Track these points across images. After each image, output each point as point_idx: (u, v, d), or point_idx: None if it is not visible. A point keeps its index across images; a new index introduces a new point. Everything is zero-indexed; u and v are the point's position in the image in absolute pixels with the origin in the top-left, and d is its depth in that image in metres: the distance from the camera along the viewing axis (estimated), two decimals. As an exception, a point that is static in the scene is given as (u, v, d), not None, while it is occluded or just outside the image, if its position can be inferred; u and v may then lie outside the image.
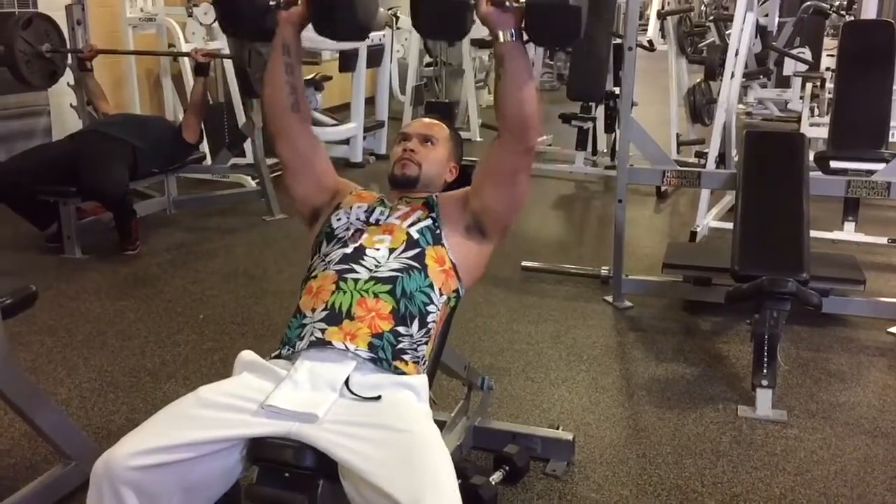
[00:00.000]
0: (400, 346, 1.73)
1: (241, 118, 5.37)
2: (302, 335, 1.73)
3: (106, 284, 3.97)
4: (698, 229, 4.60)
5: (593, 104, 6.46)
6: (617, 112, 6.69)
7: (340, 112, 7.26)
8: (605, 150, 6.77)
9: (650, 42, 6.24)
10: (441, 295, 1.82)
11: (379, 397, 1.61)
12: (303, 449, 1.54)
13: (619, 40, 6.13)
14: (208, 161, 5.41)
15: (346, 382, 1.64)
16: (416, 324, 1.75)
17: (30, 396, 2.14)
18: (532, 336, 3.42)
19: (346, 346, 1.68)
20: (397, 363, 1.70)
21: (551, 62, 11.46)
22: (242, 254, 4.54)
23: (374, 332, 1.71)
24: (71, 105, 5.25)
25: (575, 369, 3.12)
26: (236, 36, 2.00)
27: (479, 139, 7.91)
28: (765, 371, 2.79)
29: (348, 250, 1.82)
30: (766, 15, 5.69)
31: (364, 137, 6.78)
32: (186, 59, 5.83)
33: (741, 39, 4.66)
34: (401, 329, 1.73)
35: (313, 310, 1.75)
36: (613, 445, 2.60)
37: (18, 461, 2.47)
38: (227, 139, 5.51)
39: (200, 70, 4.64)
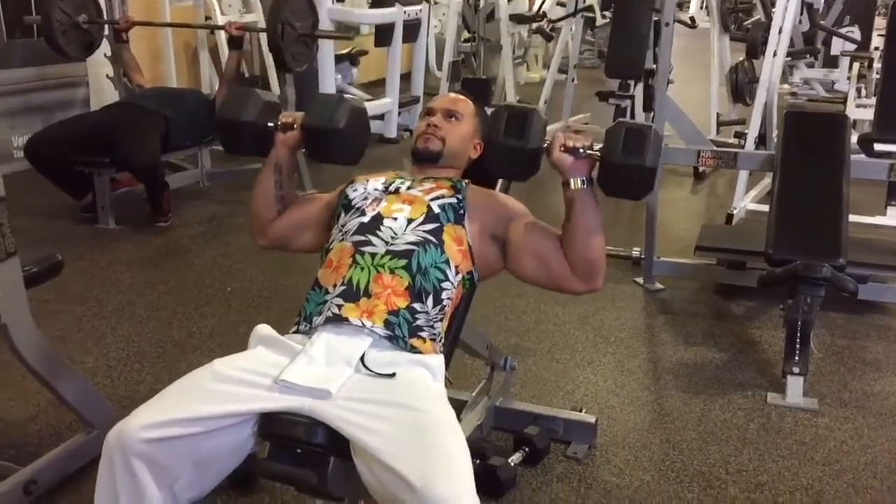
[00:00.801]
0: (417, 322, 1.71)
1: (276, 91, 5.37)
2: (321, 311, 1.71)
3: (137, 255, 4.00)
4: (735, 211, 4.51)
5: (632, 82, 6.36)
6: (653, 90, 6.67)
7: (376, 87, 7.22)
8: (644, 129, 6.65)
9: (692, 19, 6.11)
10: (457, 273, 1.79)
11: (394, 374, 1.59)
12: (314, 425, 1.52)
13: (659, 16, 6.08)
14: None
15: (362, 358, 1.62)
16: (430, 300, 1.73)
17: (53, 365, 2.16)
18: (559, 317, 3.37)
19: (362, 323, 1.66)
20: (414, 340, 1.68)
21: (592, 39, 11.30)
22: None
23: (390, 310, 1.69)
24: (107, 76, 5.27)
25: (601, 351, 3.08)
26: (238, 154, 2.10)
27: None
28: (796, 358, 2.72)
29: (365, 219, 1.80)
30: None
31: (399, 113, 6.73)
32: (222, 32, 5.85)
33: (784, 17, 4.52)
34: (416, 305, 1.71)
35: (334, 285, 1.73)
36: (637, 429, 2.55)
37: (43, 428, 2.50)
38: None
39: (234, 43, 4.63)
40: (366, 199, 1.87)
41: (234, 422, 1.55)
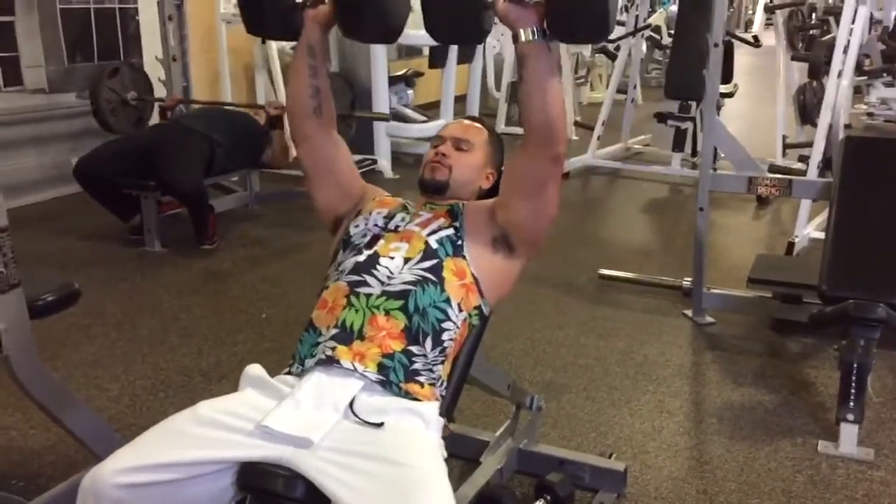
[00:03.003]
0: (414, 366, 1.60)
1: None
2: (314, 353, 1.63)
3: (178, 279, 4.00)
4: (796, 240, 4.28)
5: (692, 103, 6.15)
6: (717, 110, 6.44)
7: (433, 109, 7.17)
8: (705, 152, 6.43)
9: (755, 38, 5.88)
10: (460, 311, 1.68)
11: (382, 424, 1.49)
12: (293, 478, 1.43)
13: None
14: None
15: (351, 404, 1.52)
16: (429, 342, 1.63)
17: (58, 397, 2.11)
18: (600, 350, 3.22)
19: (354, 367, 1.56)
20: (410, 385, 1.58)
21: (660, 58, 11.06)
22: (318, 252, 4.44)
23: (384, 353, 1.59)
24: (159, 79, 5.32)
25: (641, 390, 2.91)
26: (262, 36, 1.91)
27: (574, 137, 7.66)
28: (851, 404, 2.51)
29: (361, 258, 1.71)
30: (881, 9, 5.24)
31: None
32: (276, 54, 5.89)
33: (851, 35, 4.28)
34: (413, 349, 1.61)
35: (328, 327, 1.65)
36: (672, 478, 2.39)
37: (59, 458, 2.46)
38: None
39: (275, 123, 4.57)
40: (364, 236, 1.78)
41: (212, 469, 1.47)
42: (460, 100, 6.86)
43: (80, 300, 3.69)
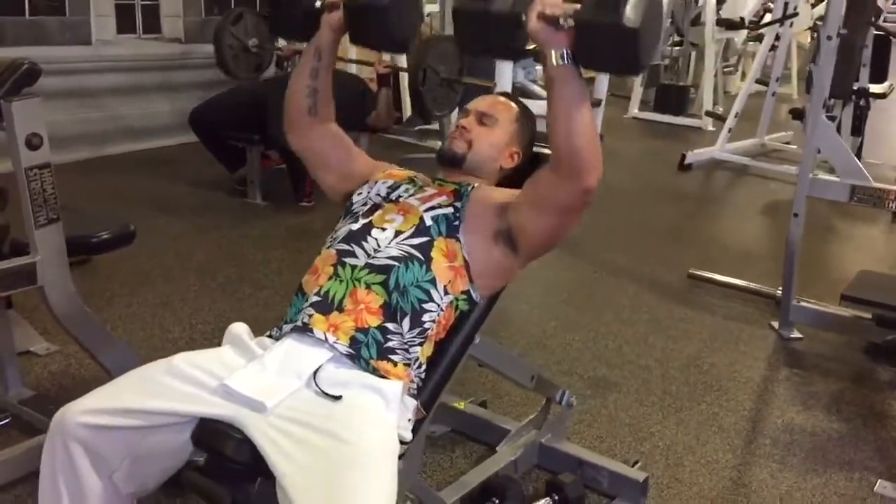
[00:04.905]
0: (388, 344, 1.56)
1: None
2: (295, 318, 1.61)
3: (268, 232, 4.10)
4: (920, 260, 3.90)
5: (838, 101, 5.70)
6: (865, 111, 5.94)
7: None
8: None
9: (901, 34, 5.36)
10: (446, 294, 1.61)
11: (340, 397, 1.46)
12: (242, 442, 1.42)
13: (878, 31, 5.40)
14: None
15: (316, 373, 1.50)
16: (406, 321, 1.57)
17: (93, 333, 2.22)
18: (665, 353, 3.05)
19: (325, 337, 1.54)
20: (381, 363, 1.54)
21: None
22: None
23: (358, 327, 1.55)
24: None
25: (696, 399, 2.74)
26: (283, 37, 1.97)
27: (710, 129, 7.30)
28: (920, 445, 2.27)
29: (355, 227, 1.68)
30: None
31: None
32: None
33: None
34: (390, 326, 1.56)
35: (313, 293, 1.63)
36: (700, 496, 2.23)
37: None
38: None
39: (383, 81, 4.62)
40: (365, 204, 1.75)
41: (173, 421, 1.48)
42: (589, 81, 6.65)
43: (172, 243, 3.89)
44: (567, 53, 1.46)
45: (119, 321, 3.02)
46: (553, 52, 1.46)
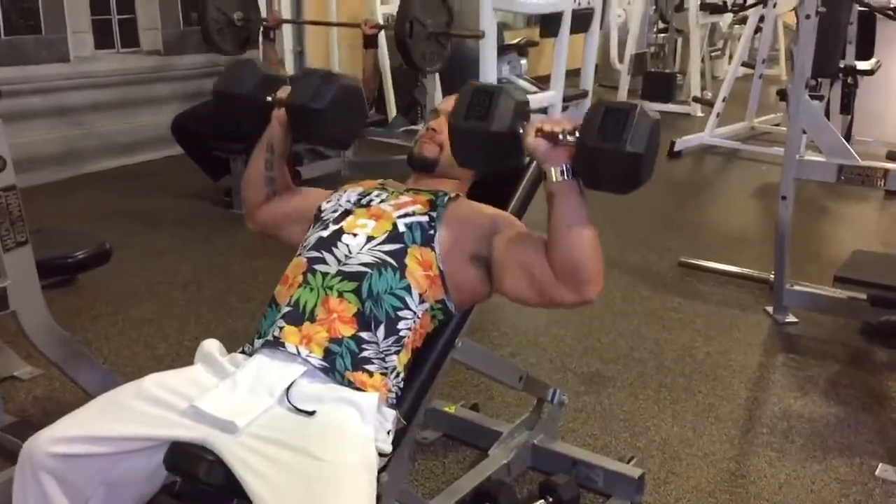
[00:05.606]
0: (363, 353, 1.51)
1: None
2: (266, 332, 1.57)
3: (255, 242, 4.01)
4: (914, 236, 3.86)
5: (825, 81, 5.65)
6: (853, 89, 5.90)
7: (549, 81, 6.95)
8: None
9: (894, 10, 5.31)
10: (422, 302, 1.57)
11: (314, 413, 1.41)
12: (215, 464, 1.38)
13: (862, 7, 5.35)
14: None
15: (288, 389, 1.45)
16: (381, 330, 1.53)
17: (69, 354, 2.16)
18: (659, 344, 3.01)
19: (298, 351, 1.49)
20: (356, 374, 1.50)
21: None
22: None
23: (332, 337, 1.51)
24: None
25: (693, 390, 2.70)
26: (233, 132, 1.94)
27: (699, 115, 7.25)
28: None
29: (325, 233, 1.63)
30: None
31: (566, 107, 6.41)
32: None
33: None
34: (364, 335, 1.52)
35: (284, 304, 1.59)
36: (697, 489, 2.19)
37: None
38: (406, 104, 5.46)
39: (369, 42, 4.56)
40: (335, 211, 1.70)
41: (145, 446, 1.44)
42: (577, 72, 6.60)
43: (157, 258, 3.84)
44: (567, 169, 1.44)
45: (104, 340, 2.98)
46: (553, 169, 1.44)
